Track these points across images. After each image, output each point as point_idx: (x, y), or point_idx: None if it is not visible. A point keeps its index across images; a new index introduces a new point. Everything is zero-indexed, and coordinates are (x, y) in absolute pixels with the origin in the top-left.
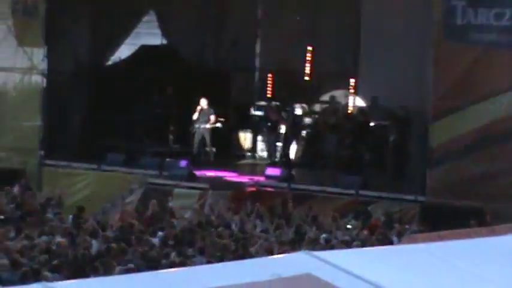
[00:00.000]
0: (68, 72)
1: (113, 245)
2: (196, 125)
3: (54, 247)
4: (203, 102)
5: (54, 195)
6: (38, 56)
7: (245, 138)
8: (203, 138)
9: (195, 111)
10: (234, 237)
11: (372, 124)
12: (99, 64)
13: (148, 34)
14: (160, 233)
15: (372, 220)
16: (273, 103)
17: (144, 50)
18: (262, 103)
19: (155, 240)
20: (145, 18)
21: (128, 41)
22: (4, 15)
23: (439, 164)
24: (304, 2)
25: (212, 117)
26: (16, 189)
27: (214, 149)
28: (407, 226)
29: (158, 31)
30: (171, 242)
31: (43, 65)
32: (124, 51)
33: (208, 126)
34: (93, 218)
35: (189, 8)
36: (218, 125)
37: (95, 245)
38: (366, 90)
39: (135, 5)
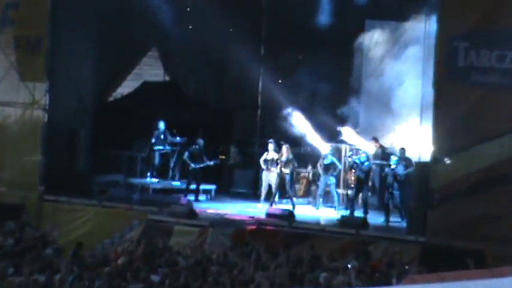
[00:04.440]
0: (69, 108)
1: (114, 281)
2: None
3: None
4: (284, 149)
5: (53, 231)
6: (40, 91)
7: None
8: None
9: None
10: (233, 276)
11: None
12: (102, 100)
13: (150, 71)
14: (159, 270)
15: (373, 260)
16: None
17: (146, 86)
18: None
19: (155, 278)
20: (148, 55)
21: (130, 77)
22: (7, 49)
23: (440, 205)
24: (306, 41)
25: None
26: (15, 225)
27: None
28: (407, 267)
29: (161, 68)
30: (170, 280)
31: (45, 100)
32: (126, 87)
33: (288, 170)
34: (93, 254)
35: (192, 44)
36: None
37: (97, 282)
38: (366, 130)
39: (138, 41)
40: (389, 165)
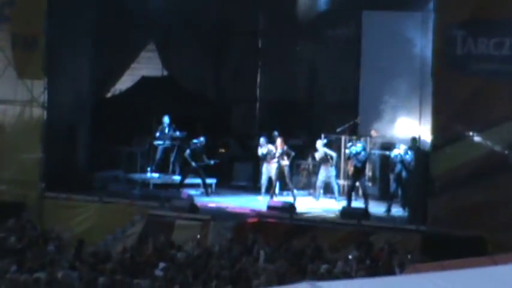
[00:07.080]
0: (68, 104)
1: (117, 277)
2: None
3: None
4: (279, 141)
5: (54, 228)
6: (38, 88)
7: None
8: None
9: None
10: (236, 269)
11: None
12: (100, 96)
13: (148, 65)
14: (162, 265)
15: (375, 250)
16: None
17: (144, 81)
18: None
19: (157, 272)
20: (145, 50)
21: (128, 72)
22: (4, 47)
23: (440, 194)
24: (305, 33)
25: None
26: (16, 222)
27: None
28: (409, 256)
29: (159, 62)
30: (173, 274)
31: (43, 97)
32: (125, 82)
33: (287, 162)
34: (95, 251)
35: (189, 38)
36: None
37: (100, 278)
38: (366, 121)
39: (135, 36)
40: (398, 152)
